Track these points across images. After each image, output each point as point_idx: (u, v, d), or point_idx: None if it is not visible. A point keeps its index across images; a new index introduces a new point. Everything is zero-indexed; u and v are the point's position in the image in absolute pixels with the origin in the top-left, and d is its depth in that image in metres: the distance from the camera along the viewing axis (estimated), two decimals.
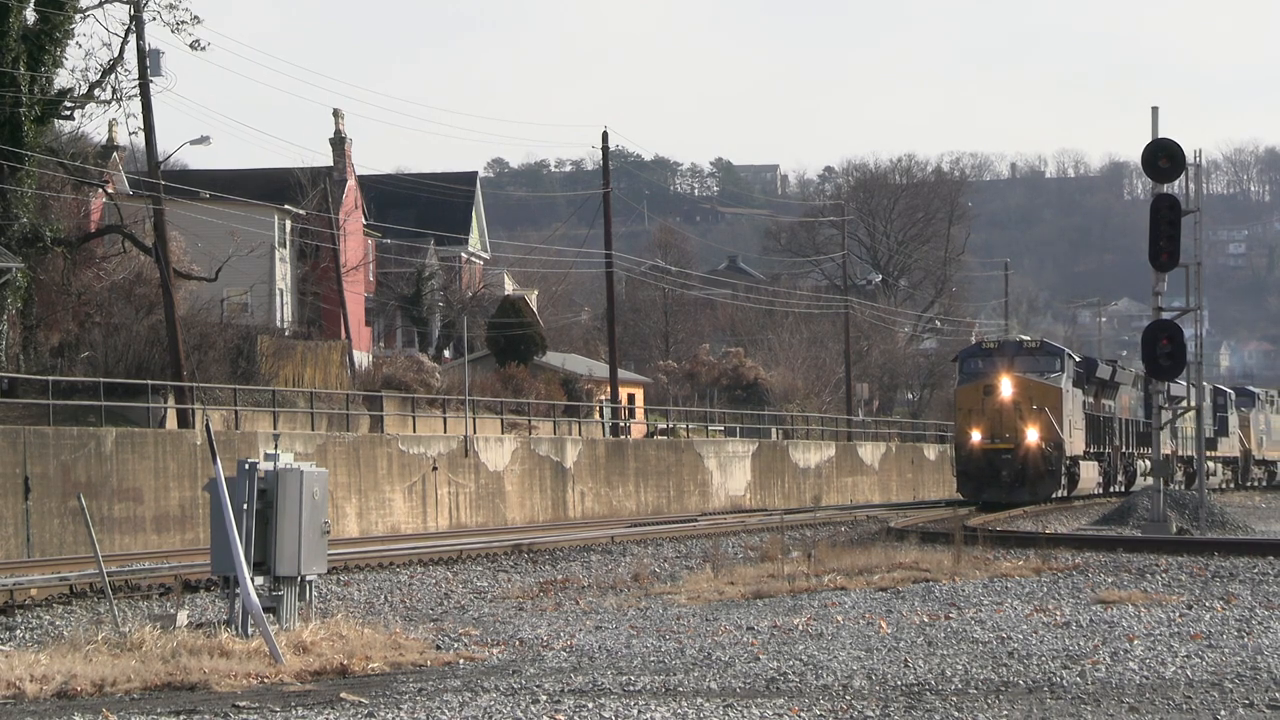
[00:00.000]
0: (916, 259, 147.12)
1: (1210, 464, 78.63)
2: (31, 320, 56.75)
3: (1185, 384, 77.34)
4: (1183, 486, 72.07)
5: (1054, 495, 58.99)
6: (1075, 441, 60.73)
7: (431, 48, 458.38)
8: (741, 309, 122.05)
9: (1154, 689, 17.24)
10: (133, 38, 53.99)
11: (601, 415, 78.00)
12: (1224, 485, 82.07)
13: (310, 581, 21.69)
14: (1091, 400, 65.09)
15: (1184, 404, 76.49)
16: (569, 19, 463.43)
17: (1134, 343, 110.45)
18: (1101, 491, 66.27)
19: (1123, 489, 68.93)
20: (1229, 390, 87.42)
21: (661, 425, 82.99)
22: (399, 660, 19.95)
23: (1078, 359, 64.34)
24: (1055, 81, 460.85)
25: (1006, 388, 58.18)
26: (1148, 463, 73.02)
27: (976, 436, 58.21)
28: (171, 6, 55.40)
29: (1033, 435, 57.78)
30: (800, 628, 22.82)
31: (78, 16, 56.66)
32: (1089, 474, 63.12)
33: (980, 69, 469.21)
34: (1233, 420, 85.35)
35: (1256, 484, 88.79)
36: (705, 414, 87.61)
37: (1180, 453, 77.23)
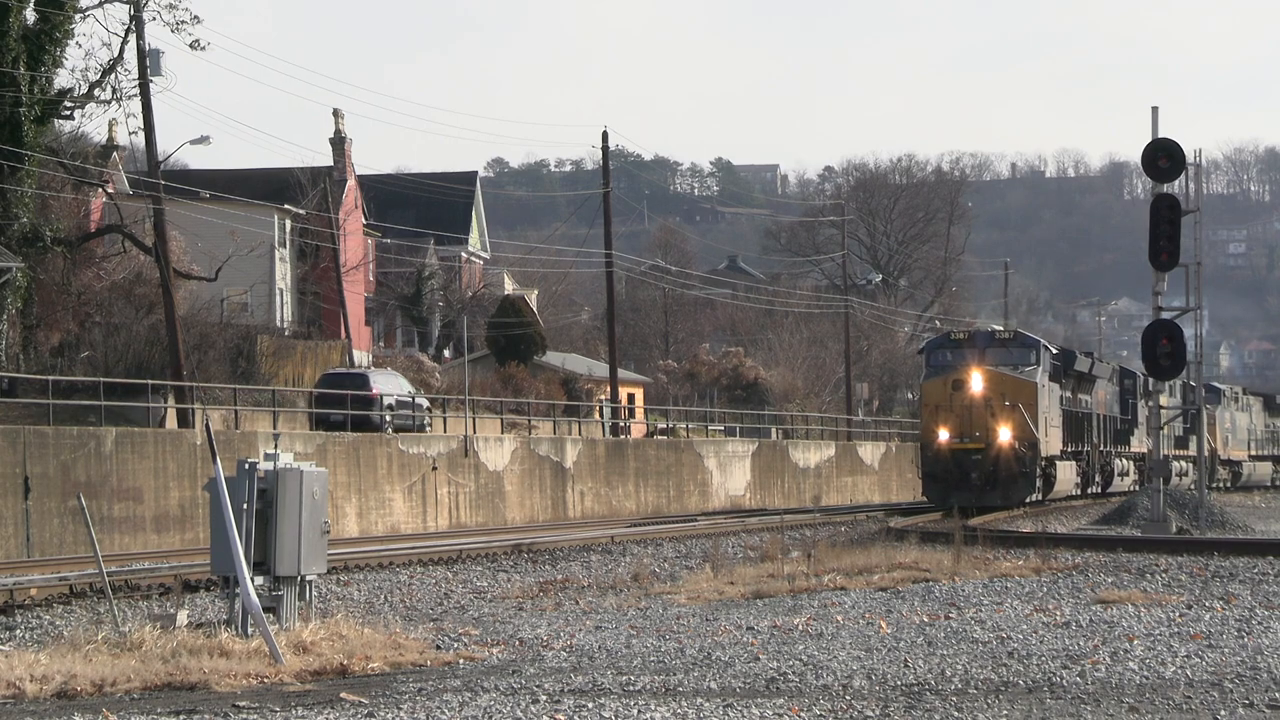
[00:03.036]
0: (916, 259, 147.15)
1: (1180, 464, 76.32)
2: (31, 320, 56.78)
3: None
4: None
5: (1028, 499, 55.22)
6: (1051, 441, 56.75)
7: (431, 48, 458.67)
8: (741, 309, 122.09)
9: (1154, 689, 17.24)
10: (132, 38, 54.04)
11: (601, 415, 77.99)
12: (1194, 486, 79.83)
13: (310, 581, 21.68)
14: (1069, 395, 60.85)
15: (1161, 399, 75.13)
16: (569, 19, 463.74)
17: (1134, 343, 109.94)
18: (1079, 493, 62.51)
19: (1100, 490, 65.80)
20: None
21: (661, 425, 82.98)
22: (399, 660, 19.94)
23: (1054, 350, 60.12)
24: (1055, 81, 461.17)
25: (977, 382, 54.20)
26: (1126, 462, 69.69)
27: (944, 435, 54.16)
28: (171, 6, 55.50)
29: (1005, 434, 53.86)
30: (800, 628, 22.82)
31: (78, 16, 56.75)
32: (1066, 475, 58.93)
33: (980, 69, 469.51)
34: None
35: (1222, 485, 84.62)
36: (705, 414, 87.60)
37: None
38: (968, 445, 54.13)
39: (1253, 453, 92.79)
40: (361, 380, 58.17)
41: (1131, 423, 71.77)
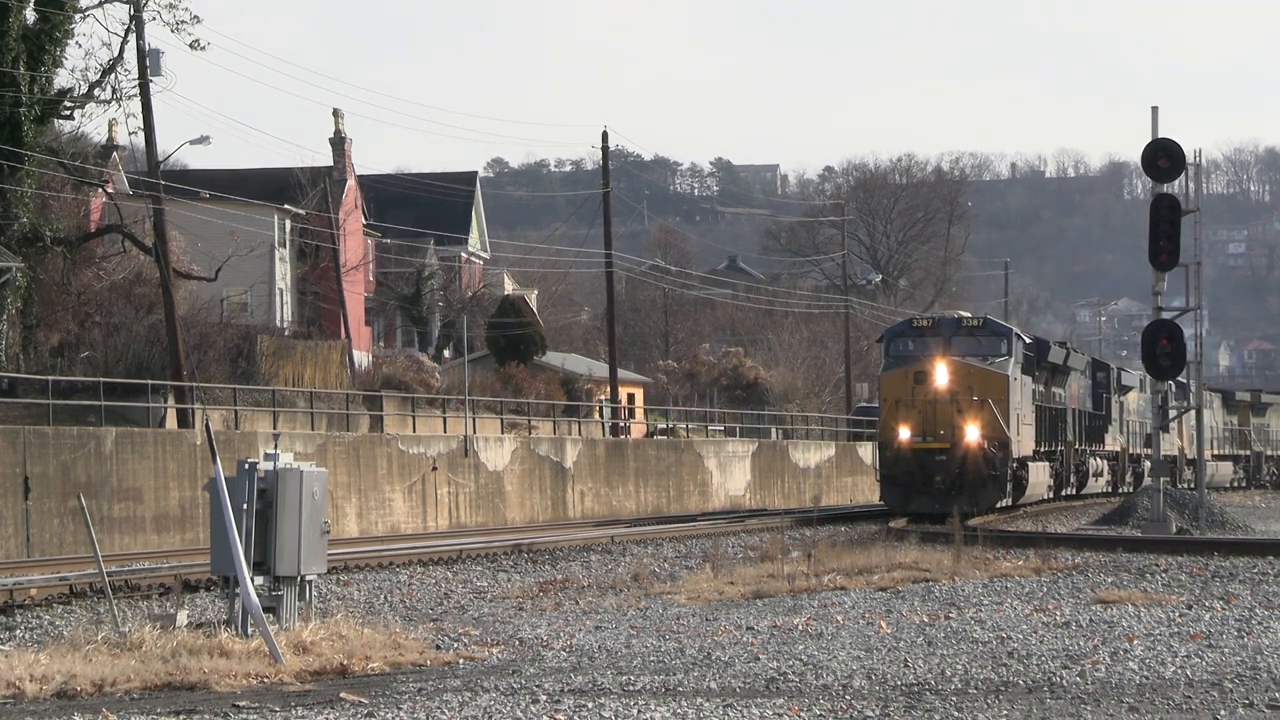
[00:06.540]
0: (916, 259, 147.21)
1: (1150, 463, 74.80)
2: (31, 320, 56.76)
3: (1135, 374, 74.18)
4: (1131, 488, 67.36)
5: (998, 504, 50.29)
6: (1024, 440, 51.85)
7: (431, 48, 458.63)
8: (741, 309, 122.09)
9: (1154, 689, 17.25)
10: (132, 37, 53.99)
11: (601, 415, 77.98)
12: (1167, 483, 76.39)
13: (310, 581, 21.69)
14: (1042, 389, 55.96)
15: (1131, 396, 74.04)
16: (569, 19, 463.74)
17: (1134, 342, 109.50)
18: (1052, 496, 57.90)
19: (1075, 492, 61.64)
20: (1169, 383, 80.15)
21: (661, 425, 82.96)
22: (399, 660, 19.95)
23: (1027, 340, 54.96)
24: (1054, 82, 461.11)
25: (941, 375, 49.31)
26: (1100, 461, 66.70)
27: (905, 434, 49.12)
28: (171, 6, 55.40)
29: (973, 433, 48.92)
30: (800, 628, 22.82)
31: (78, 16, 56.68)
32: (1039, 477, 53.92)
33: (979, 69, 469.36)
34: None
35: (1188, 486, 77.98)
36: (705, 414, 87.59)
37: (1130, 450, 71.78)
38: (931, 445, 49.21)
39: (1215, 452, 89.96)
40: (867, 409, 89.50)
41: (1105, 419, 68.30)
